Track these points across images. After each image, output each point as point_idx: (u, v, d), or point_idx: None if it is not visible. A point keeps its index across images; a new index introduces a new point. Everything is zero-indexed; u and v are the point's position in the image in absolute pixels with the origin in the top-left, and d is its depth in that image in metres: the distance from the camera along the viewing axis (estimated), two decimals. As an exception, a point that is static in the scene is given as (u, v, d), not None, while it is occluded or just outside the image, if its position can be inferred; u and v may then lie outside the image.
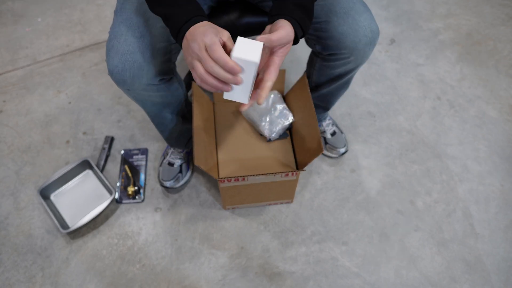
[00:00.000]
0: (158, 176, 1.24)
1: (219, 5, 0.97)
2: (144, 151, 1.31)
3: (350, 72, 0.97)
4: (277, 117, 1.12)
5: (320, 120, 1.27)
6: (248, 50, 0.61)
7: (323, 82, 1.03)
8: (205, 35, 0.61)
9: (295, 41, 0.68)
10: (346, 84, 1.06)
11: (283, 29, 0.64)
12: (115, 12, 0.84)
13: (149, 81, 0.83)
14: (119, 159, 1.30)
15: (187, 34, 0.64)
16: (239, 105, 1.20)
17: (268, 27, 0.68)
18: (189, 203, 1.21)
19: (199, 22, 0.64)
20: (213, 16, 0.95)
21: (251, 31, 0.99)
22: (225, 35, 0.63)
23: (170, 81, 0.91)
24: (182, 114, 1.08)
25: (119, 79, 0.81)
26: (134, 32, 0.79)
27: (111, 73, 0.81)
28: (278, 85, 1.20)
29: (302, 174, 1.26)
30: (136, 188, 1.23)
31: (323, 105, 1.16)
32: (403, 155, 1.31)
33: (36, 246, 1.14)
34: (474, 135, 1.35)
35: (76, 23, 1.68)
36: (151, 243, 1.14)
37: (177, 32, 0.65)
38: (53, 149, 1.32)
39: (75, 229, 1.11)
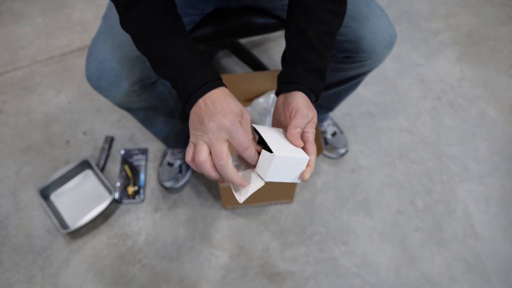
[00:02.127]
0: (158, 176, 1.24)
1: (220, 10, 0.96)
2: (144, 151, 1.31)
3: (362, 75, 0.96)
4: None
5: (322, 121, 1.26)
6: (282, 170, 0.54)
7: (332, 83, 1.02)
8: (216, 139, 0.53)
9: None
10: (355, 86, 1.04)
11: (299, 113, 0.59)
12: (102, 18, 0.84)
13: (128, 88, 0.83)
14: (119, 159, 1.30)
15: (196, 107, 0.56)
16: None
17: (280, 99, 0.63)
18: (189, 203, 1.21)
19: (212, 89, 0.56)
20: (214, 20, 0.94)
21: (253, 32, 0.99)
22: (245, 118, 0.57)
23: (152, 85, 0.89)
24: (175, 114, 1.06)
25: (96, 86, 0.82)
26: (113, 40, 0.78)
27: (88, 80, 0.81)
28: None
29: (302, 174, 1.25)
30: (136, 188, 1.23)
31: (328, 105, 1.15)
32: (403, 155, 1.31)
33: (36, 246, 1.14)
34: (474, 135, 1.35)
35: (76, 23, 1.68)
36: (151, 243, 1.14)
37: (186, 99, 0.58)
38: (53, 149, 1.32)
39: (75, 229, 1.11)
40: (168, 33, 0.60)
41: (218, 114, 0.53)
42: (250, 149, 0.54)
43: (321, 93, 0.65)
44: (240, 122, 0.55)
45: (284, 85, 0.63)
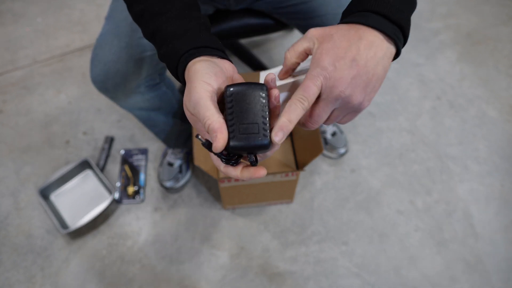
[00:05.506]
0: (158, 176, 1.24)
1: (221, 12, 0.96)
2: (144, 151, 1.31)
3: None
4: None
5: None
6: None
7: None
8: (189, 100, 0.43)
9: (396, 54, 0.43)
10: None
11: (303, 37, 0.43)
12: (105, 19, 0.83)
13: (133, 89, 0.82)
14: (119, 159, 1.30)
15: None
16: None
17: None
18: (189, 203, 1.21)
19: (193, 59, 0.45)
20: (215, 22, 0.94)
21: (252, 33, 0.99)
22: (214, 82, 0.42)
23: (156, 86, 0.89)
24: (177, 115, 1.06)
25: (101, 87, 0.81)
26: (119, 41, 0.77)
27: (93, 81, 0.81)
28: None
29: (302, 174, 1.26)
30: (136, 188, 1.23)
31: None
32: (403, 155, 1.31)
33: (36, 246, 1.14)
34: (474, 135, 1.35)
35: (76, 23, 1.68)
36: (151, 243, 1.14)
37: (176, 75, 0.49)
38: (53, 149, 1.32)
39: (75, 229, 1.11)
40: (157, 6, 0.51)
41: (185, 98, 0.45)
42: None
43: (403, 17, 0.41)
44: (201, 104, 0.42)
45: (344, 19, 0.44)
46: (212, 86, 0.42)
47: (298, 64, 0.45)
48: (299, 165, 1.08)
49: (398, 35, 0.41)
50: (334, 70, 0.40)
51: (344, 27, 0.42)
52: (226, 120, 0.41)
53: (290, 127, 0.41)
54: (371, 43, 0.39)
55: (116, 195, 1.22)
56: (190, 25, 0.48)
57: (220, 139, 0.39)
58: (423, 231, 1.16)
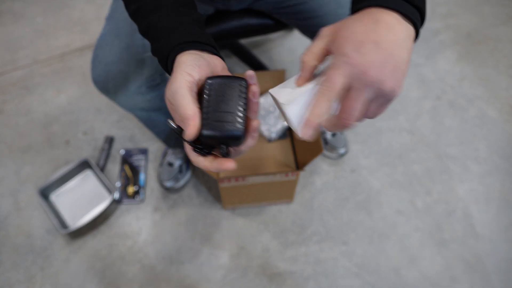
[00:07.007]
0: (158, 176, 1.24)
1: (221, 12, 0.96)
2: (144, 151, 1.31)
3: None
4: (277, 118, 1.12)
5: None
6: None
7: None
8: (169, 89, 0.43)
9: (416, 35, 0.40)
10: None
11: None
12: (106, 19, 0.83)
13: (134, 90, 0.82)
14: (119, 159, 1.30)
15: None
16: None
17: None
18: (189, 203, 1.21)
19: (181, 52, 0.46)
20: (215, 22, 0.95)
21: (252, 33, 0.99)
22: (195, 74, 0.43)
23: (157, 87, 0.89)
24: None
25: (102, 88, 0.81)
26: (120, 42, 0.77)
27: (94, 82, 0.81)
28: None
29: (302, 174, 1.26)
30: (136, 188, 1.23)
31: None
32: (403, 155, 1.31)
33: (36, 246, 1.14)
34: (474, 135, 1.35)
35: (76, 23, 1.68)
36: (151, 243, 1.14)
37: (166, 69, 0.50)
38: (53, 149, 1.32)
39: (75, 229, 1.11)
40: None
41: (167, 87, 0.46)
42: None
43: (424, 5, 0.40)
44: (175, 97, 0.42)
45: (357, 5, 0.41)
46: (193, 77, 0.43)
47: (317, 67, 0.43)
48: (299, 165, 1.08)
49: (415, 15, 0.39)
50: (360, 56, 0.37)
51: (355, 15, 0.40)
52: (202, 108, 0.42)
53: (317, 121, 0.40)
54: (390, 25, 0.37)
55: (116, 195, 1.22)
56: (182, 20, 0.50)
57: (193, 126, 0.40)
58: (423, 231, 1.16)
